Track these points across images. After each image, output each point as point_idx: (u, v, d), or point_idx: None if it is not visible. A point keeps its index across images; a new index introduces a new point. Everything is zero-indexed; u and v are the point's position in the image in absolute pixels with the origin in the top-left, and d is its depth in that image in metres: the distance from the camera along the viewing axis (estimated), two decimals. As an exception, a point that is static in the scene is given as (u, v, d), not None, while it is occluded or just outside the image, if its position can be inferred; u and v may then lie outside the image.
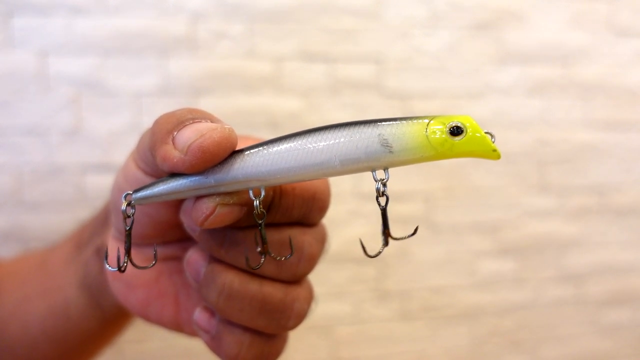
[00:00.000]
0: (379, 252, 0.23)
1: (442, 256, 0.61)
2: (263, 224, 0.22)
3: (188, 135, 0.20)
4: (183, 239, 0.28)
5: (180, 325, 0.29)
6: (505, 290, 0.63)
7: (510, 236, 0.63)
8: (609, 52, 0.63)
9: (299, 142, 0.21)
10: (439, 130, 0.21)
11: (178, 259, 0.29)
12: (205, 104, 0.54)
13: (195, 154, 0.20)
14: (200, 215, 0.21)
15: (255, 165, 0.21)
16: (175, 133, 0.20)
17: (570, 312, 0.65)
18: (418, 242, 0.60)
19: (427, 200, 0.60)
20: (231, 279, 0.24)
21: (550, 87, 0.62)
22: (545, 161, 0.63)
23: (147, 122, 0.53)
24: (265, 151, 0.21)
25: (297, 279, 0.25)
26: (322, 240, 0.27)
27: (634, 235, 0.66)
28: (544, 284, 0.64)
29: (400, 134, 0.21)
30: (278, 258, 0.23)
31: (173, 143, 0.20)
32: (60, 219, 0.52)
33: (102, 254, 0.30)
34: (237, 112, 0.55)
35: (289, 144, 0.21)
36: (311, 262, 0.25)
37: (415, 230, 0.23)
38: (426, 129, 0.21)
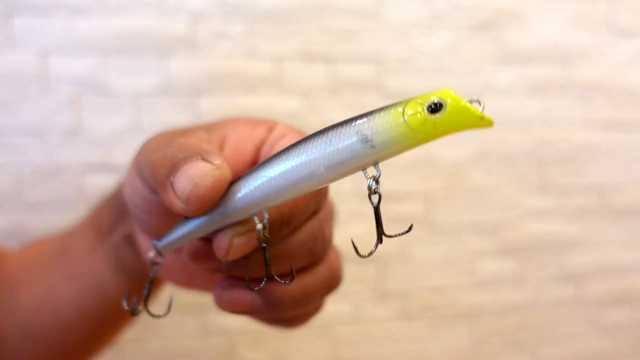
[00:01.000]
0: (372, 252, 0.22)
1: (442, 256, 0.61)
2: (267, 247, 0.22)
3: (182, 186, 0.20)
4: None
5: None
6: (505, 290, 0.63)
7: (510, 236, 0.63)
8: (609, 52, 0.63)
9: (283, 161, 0.20)
10: (417, 112, 0.19)
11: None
12: (205, 104, 0.54)
13: (195, 203, 0.20)
14: (221, 250, 0.22)
15: (249, 193, 0.21)
16: (171, 178, 0.21)
17: (570, 312, 0.65)
18: (418, 242, 0.60)
19: (427, 200, 0.60)
20: (271, 290, 0.24)
21: (550, 87, 0.62)
22: (545, 161, 0.63)
23: (147, 122, 0.53)
24: (255, 177, 0.21)
25: (323, 257, 0.27)
26: (332, 215, 0.28)
27: (634, 236, 0.66)
28: (543, 284, 0.64)
29: (377, 127, 0.19)
30: (282, 281, 0.23)
31: (173, 189, 0.21)
32: (61, 219, 0.52)
33: (133, 241, 0.31)
34: (237, 112, 0.55)
35: (274, 166, 0.20)
36: (331, 239, 0.27)
37: (410, 227, 0.22)
38: (403, 114, 0.19)
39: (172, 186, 0.21)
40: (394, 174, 0.59)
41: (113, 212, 0.32)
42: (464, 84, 0.60)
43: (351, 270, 0.59)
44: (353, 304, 0.60)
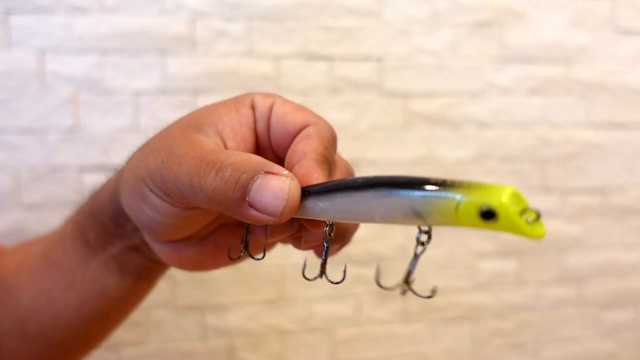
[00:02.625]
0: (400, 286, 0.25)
1: (443, 257, 0.61)
2: (328, 247, 0.25)
3: (273, 203, 0.23)
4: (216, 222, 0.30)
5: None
6: (507, 292, 0.63)
7: (512, 237, 0.62)
8: (612, 50, 0.63)
9: (350, 199, 0.22)
10: (471, 213, 0.19)
11: (221, 227, 0.30)
12: (204, 103, 0.54)
13: (288, 215, 0.23)
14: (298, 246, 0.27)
15: (321, 211, 0.23)
16: (249, 199, 0.23)
17: (572, 314, 0.65)
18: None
19: (428, 201, 0.60)
20: None
21: (552, 86, 0.62)
22: (547, 161, 0.63)
23: (146, 121, 0.53)
24: (328, 198, 0.23)
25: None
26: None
27: (637, 236, 0.66)
28: (545, 285, 0.64)
29: (430, 210, 0.20)
30: (334, 283, 0.26)
31: (255, 208, 0.23)
32: (58, 219, 0.52)
33: (141, 248, 0.31)
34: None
35: (342, 199, 0.22)
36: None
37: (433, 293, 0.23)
38: (457, 209, 0.19)
39: (252, 206, 0.23)
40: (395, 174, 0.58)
41: (101, 229, 0.31)
42: (465, 83, 0.60)
43: (351, 271, 0.58)
44: (353, 305, 0.59)
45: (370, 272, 0.59)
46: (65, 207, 0.52)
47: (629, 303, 0.66)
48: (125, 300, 0.34)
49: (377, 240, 0.58)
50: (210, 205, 0.24)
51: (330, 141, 0.26)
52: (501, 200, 0.18)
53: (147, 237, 0.30)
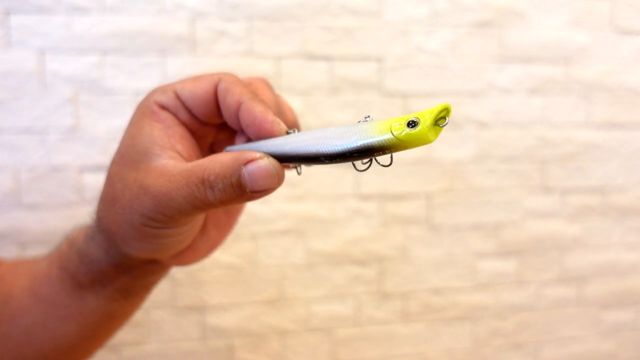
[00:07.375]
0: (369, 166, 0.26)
1: (443, 257, 0.61)
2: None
3: (270, 180, 0.26)
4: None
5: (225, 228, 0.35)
6: (507, 292, 0.63)
7: (512, 237, 0.62)
8: (611, 50, 0.63)
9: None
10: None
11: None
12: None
13: (282, 179, 0.26)
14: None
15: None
16: (248, 190, 0.25)
17: (572, 314, 0.65)
18: (419, 243, 0.60)
19: (428, 201, 0.60)
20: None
21: (552, 86, 0.62)
22: (547, 161, 0.63)
23: (146, 121, 0.53)
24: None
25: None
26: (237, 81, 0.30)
27: (637, 236, 0.66)
28: (545, 285, 0.64)
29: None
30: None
31: (257, 192, 0.26)
32: (58, 219, 0.52)
33: (144, 279, 0.32)
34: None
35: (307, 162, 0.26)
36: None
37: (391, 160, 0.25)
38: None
39: (255, 191, 0.26)
40: (396, 174, 0.58)
41: (99, 275, 0.32)
42: (465, 83, 0.60)
43: (352, 271, 0.58)
44: (353, 305, 0.59)
45: (370, 273, 0.59)
46: (65, 207, 0.52)
47: (629, 303, 0.66)
48: (130, 312, 0.35)
49: (377, 240, 0.58)
50: (220, 208, 0.27)
51: (239, 81, 0.28)
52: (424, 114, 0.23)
53: (167, 261, 0.32)
